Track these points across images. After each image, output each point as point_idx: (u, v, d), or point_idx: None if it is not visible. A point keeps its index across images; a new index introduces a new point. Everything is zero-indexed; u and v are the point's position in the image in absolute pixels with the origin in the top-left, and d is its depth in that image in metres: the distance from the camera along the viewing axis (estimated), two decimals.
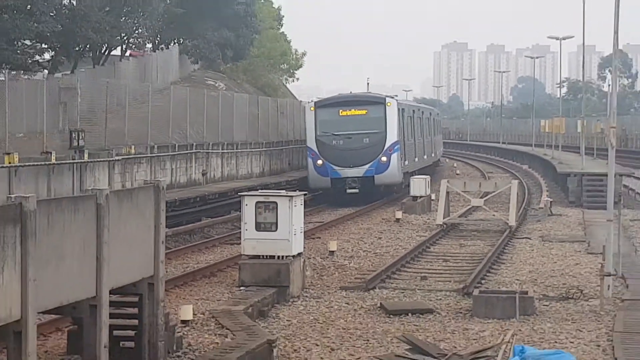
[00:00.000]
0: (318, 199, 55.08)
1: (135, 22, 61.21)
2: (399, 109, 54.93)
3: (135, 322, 16.84)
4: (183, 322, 19.66)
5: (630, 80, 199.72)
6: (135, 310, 16.87)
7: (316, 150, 52.18)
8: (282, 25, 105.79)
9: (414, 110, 66.53)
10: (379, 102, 54.13)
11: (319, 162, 52.01)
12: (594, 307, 22.78)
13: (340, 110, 53.07)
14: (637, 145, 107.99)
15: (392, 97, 56.36)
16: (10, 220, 12.58)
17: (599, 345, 19.12)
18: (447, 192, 40.60)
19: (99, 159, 41.13)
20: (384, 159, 52.77)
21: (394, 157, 52.81)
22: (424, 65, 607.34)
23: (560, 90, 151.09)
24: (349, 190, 51.80)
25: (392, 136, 52.29)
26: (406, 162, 57.42)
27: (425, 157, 69.67)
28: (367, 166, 52.58)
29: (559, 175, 59.82)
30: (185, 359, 17.26)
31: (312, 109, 53.43)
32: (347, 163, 52.57)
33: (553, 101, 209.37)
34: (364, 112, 53.22)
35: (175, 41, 75.48)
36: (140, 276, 16.41)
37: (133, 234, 16.14)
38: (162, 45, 75.63)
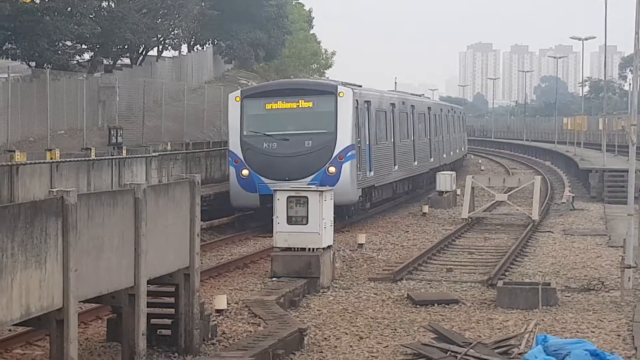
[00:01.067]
0: None
1: (171, 23, 61.22)
2: (357, 102, 37.38)
3: (172, 311, 16.95)
4: (217, 311, 19.73)
5: None
6: (171, 300, 16.97)
7: (241, 156, 35.64)
8: (312, 27, 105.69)
9: (394, 104, 46.84)
10: (327, 91, 36.50)
11: (244, 172, 35.62)
12: (615, 298, 22.72)
13: (276, 103, 36.06)
14: None
15: (349, 85, 38.83)
16: (53, 213, 12.67)
17: (619, 335, 19.08)
18: (472, 188, 40.49)
19: (136, 155, 41.27)
20: (332, 169, 36.33)
21: (347, 167, 35.98)
22: (449, 65, 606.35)
23: (582, 89, 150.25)
24: None
25: (344, 138, 35.42)
26: (371, 173, 40.37)
27: (416, 163, 51.48)
28: (308, 179, 35.83)
29: (581, 172, 59.58)
30: (219, 347, 17.29)
31: (237, 99, 36.38)
32: (282, 175, 35.73)
33: (575, 100, 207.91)
34: (308, 104, 35.96)
35: (210, 42, 75.55)
36: (177, 267, 16.55)
37: (170, 226, 16.23)
38: (197, 46, 75.74)
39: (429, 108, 58.71)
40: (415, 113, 53.02)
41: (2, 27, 43.21)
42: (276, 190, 26.09)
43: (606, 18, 67.27)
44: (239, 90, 38.93)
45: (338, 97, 36.44)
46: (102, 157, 38.09)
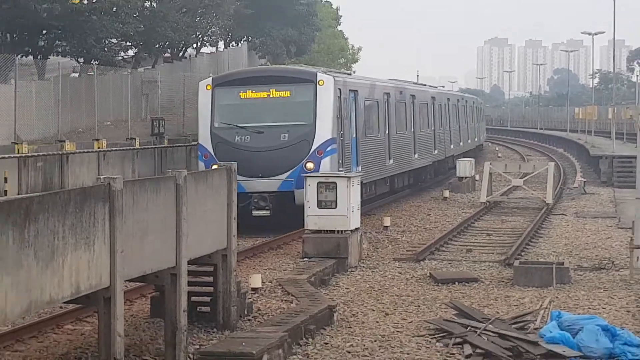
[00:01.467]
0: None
1: (209, 22, 61.41)
2: (340, 91, 30.77)
3: (211, 289, 17.01)
4: (253, 289, 19.75)
5: None
6: (210, 279, 17.02)
7: (211, 150, 29.67)
8: (340, 24, 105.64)
9: (388, 93, 39.29)
10: (306, 79, 30.17)
11: (214, 166, 27.35)
12: (624, 277, 22.63)
13: (249, 91, 29.91)
14: None
15: (331, 73, 32.51)
16: (100, 198, 12.71)
17: (629, 311, 19.00)
18: (490, 173, 40.38)
19: (177, 144, 41.45)
20: (309, 165, 30.34)
21: (326, 163, 29.94)
22: (468, 58, 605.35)
23: (592, 80, 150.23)
24: (255, 212, 30.59)
25: (324, 131, 29.24)
26: (358, 169, 33.28)
27: (416, 155, 44.53)
28: (284, 176, 30.66)
29: (592, 158, 59.41)
30: (255, 323, 17.32)
31: (208, 87, 30.44)
32: (255, 171, 30.31)
33: (586, 91, 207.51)
34: (285, 94, 29.91)
35: (245, 39, 75.63)
36: (215, 248, 16.60)
37: (208, 211, 16.29)
38: (233, 43, 75.86)
39: (433, 98, 51.10)
40: (416, 103, 45.43)
41: (53, 26, 43.48)
42: (307, 176, 25.84)
43: (615, 13, 66.98)
44: (210, 78, 32.17)
45: (318, 85, 29.57)
46: (146, 147, 38.37)
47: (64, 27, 43.84)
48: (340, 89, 31.27)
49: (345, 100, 32.18)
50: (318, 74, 30.96)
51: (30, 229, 11.41)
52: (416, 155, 44.52)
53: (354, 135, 33.33)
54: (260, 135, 29.66)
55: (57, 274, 11.83)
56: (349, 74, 39.87)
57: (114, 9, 45.77)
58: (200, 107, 31.33)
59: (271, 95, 30.42)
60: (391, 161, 37.90)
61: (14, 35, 45.08)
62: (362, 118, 34.55)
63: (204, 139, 30.52)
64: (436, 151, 49.33)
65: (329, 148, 29.96)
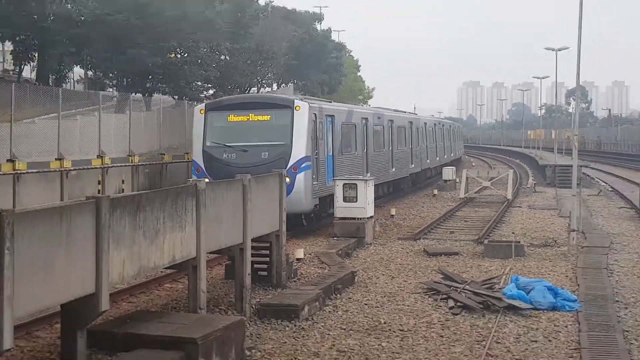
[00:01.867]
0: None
1: (266, 70, 61.68)
2: (315, 115, 27.11)
3: (267, 259, 17.08)
4: (297, 259, 19.74)
5: (586, 104, 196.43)
6: (267, 252, 17.06)
7: (202, 165, 26.44)
8: (359, 71, 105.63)
9: (366, 118, 34.11)
10: (284, 105, 26.87)
11: (205, 180, 18.96)
12: (564, 252, 22.49)
13: (237, 115, 27.01)
14: (591, 147, 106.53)
15: (304, 100, 27.89)
16: (189, 195, 12.88)
17: (567, 276, 18.90)
18: (466, 177, 40.15)
19: None
20: (286, 179, 22.98)
21: (300, 177, 26.29)
22: (451, 94, 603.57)
23: (540, 111, 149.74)
24: None
25: (299, 150, 25.98)
26: (330, 183, 28.00)
27: (394, 169, 39.08)
28: None
29: (540, 166, 59.17)
30: (299, 283, 17.34)
31: (201, 112, 27.16)
32: None
33: (536, 119, 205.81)
34: (266, 117, 26.73)
35: (291, 82, 75.84)
36: (271, 230, 16.64)
37: (266, 203, 16.33)
38: (283, 84, 76.12)
39: (410, 122, 45.12)
40: (394, 126, 39.91)
41: (156, 73, 43.83)
42: (336, 179, 25.72)
43: (557, 64, 66.65)
44: (204, 104, 28.00)
45: (294, 110, 25.76)
46: None
47: (164, 74, 44.22)
48: (315, 114, 26.83)
49: (321, 124, 27.50)
50: (295, 100, 26.65)
51: (140, 217, 11.56)
52: (394, 169, 39.49)
53: (330, 153, 28.43)
54: (245, 153, 25.44)
55: (159, 248, 12.00)
56: (329, 102, 33.24)
57: (199, 61, 46.18)
58: (194, 129, 26.81)
59: (255, 119, 26.28)
60: (368, 174, 31.73)
61: (129, 79, 45.55)
62: (339, 138, 29.52)
63: (197, 156, 26.16)
64: (413, 165, 44.48)
65: (303, 165, 25.49)
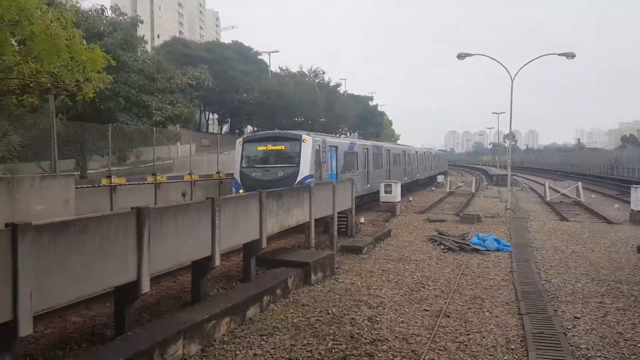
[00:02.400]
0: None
1: (344, 125, 61.60)
2: (319, 146, 21.61)
3: (345, 223, 16.77)
4: (360, 223, 19.45)
5: (514, 142, 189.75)
6: (345, 219, 16.80)
7: (239, 180, 21.04)
8: (392, 124, 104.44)
9: (367, 149, 27.20)
10: (295, 138, 21.19)
11: (240, 191, 20.64)
12: (503, 220, 21.78)
13: (262, 146, 21.70)
14: (517, 165, 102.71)
15: (309, 135, 21.66)
16: (306, 190, 12.63)
17: (505, 233, 18.17)
18: (450, 180, 39.31)
19: None
20: None
21: None
22: (441, 136, 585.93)
23: (490, 146, 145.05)
24: None
25: (304, 169, 20.51)
26: None
27: (369, 185, 26.72)
28: None
29: (489, 175, 57.63)
30: (361, 235, 17.03)
31: (240, 143, 21.90)
32: None
33: (487, 150, 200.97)
34: (282, 147, 21.30)
35: (356, 132, 75.59)
36: (346, 207, 16.29)
37: (343, 193, 15.84)
38: (352, 133, 75.95)
39: (404, 151, 36.57)
40: (391, 154, 31.81)
41: (245, 110, 43.51)
42: (380, 182, 24.71)
43: (498, 120, 64.99)
44: (242, 138, 21.78)
45: (302, 142, 20.14)
46: None
47: (250, 111, 43.19)
48: (319, 145, 20.78)
49: (324, 152, 21.26)
50: (303, 135, 20.38)
51: (281, 201, 11.38)
52: (370, 184, 28.51)
53: (334, 172, 22.12)
54: (268, 172, 19.80)
55: (290, 217, 11.87)
56: (337, 136, 26.66)
57: (310, 122, 46.07)
58: (236, 155, 20.70)
59: (275, 148, 20.55)
60: (368, 185, 26.02)
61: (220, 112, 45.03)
62: (342, 162, 22.94)
63: (237, 174, 20.14)
64: (406, 178, 36.43)
65: (307, 180, 19.04)
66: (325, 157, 21.94)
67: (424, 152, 48.94)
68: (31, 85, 12.04)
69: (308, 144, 20.65)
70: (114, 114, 20.80)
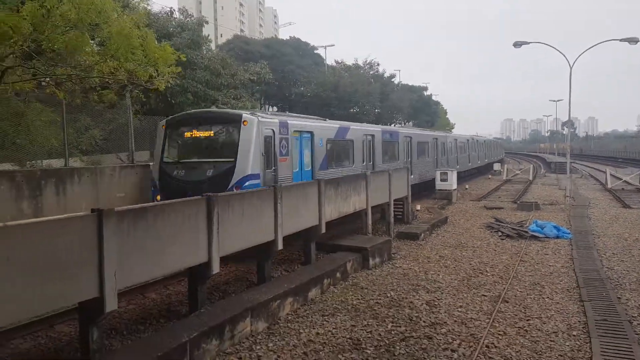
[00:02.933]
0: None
1: (398, 116, 60.40)
2: (268, 130, 10.72)
3: (402, 209, 16.58)
4: (417, 210, 19.22)
5: (573, 129, 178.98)
6: (401, 206, 16.83)
7: (157, 181, 10.55)
8: (447, 114, 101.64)
9: (373, 135, 17.04)
10: (232, 120, 10.32)
11: (157, 198, 10.28)
12: (562, 207, 20.83)
13: (188, 131, 10.64)
14: (575, 153, 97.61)
15: (255, 115, 10.69)
16: (362, 178, 12.62)
17: (565, 220, 17.39)
18: (507, 168, 37.98)
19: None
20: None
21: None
22: (497, 125, 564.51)
23: (547, 133, 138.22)
24: None
25: (244, 167, 9.88)
26: None
27: (412, 176, 20.86)
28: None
29: (547, 163, 55.17)
30: (417, 222, 16.91)
31: (163, 127, 11.02)
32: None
33: (545, 138, 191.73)
34: (210, 133, 10.51)
35: (411, 121, 74.25)
36: (402, 195, 16.11)
37: (400, 182, 15.62)
38: (407, 122, 74.67)
39: (435, 139, 26.06)
40: (414, 142, 22.73)
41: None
42: (437, 171, 23.74)
43: (557, 108, 61.61)
44: (165, 120, 12.12)
45: (242, 126, 10.92)
46: None
47: (307, 103, 41.71)
48: (273, 130, 11.98)
49: (285, 140, 12.44)
50: (243, 115, 11.34)
51: (339, 189, 11.34)
52: (412, 176, 21.42)
53: (308, 168, 13.62)
54: (194, 170, 11.33)
55: (348, 204, 11.83)
56: (325, 120, 15.99)
57: (365, 112, 45.45)
58: (156, 145, 12.09)
59: (206, 135, 11.92)
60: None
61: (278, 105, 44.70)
62: (324, 154, 14.36)
63: (155, 172, 11.69)
64: (479, 162, 29.80)
65: (247, 183, 10.75)
66: (285, 148, 12.86)
67: (468, 141, 37.79)
68: (110, 82, 12.30)
69: (250, 127, 11.37)
70: (184, 109, 21.60)
